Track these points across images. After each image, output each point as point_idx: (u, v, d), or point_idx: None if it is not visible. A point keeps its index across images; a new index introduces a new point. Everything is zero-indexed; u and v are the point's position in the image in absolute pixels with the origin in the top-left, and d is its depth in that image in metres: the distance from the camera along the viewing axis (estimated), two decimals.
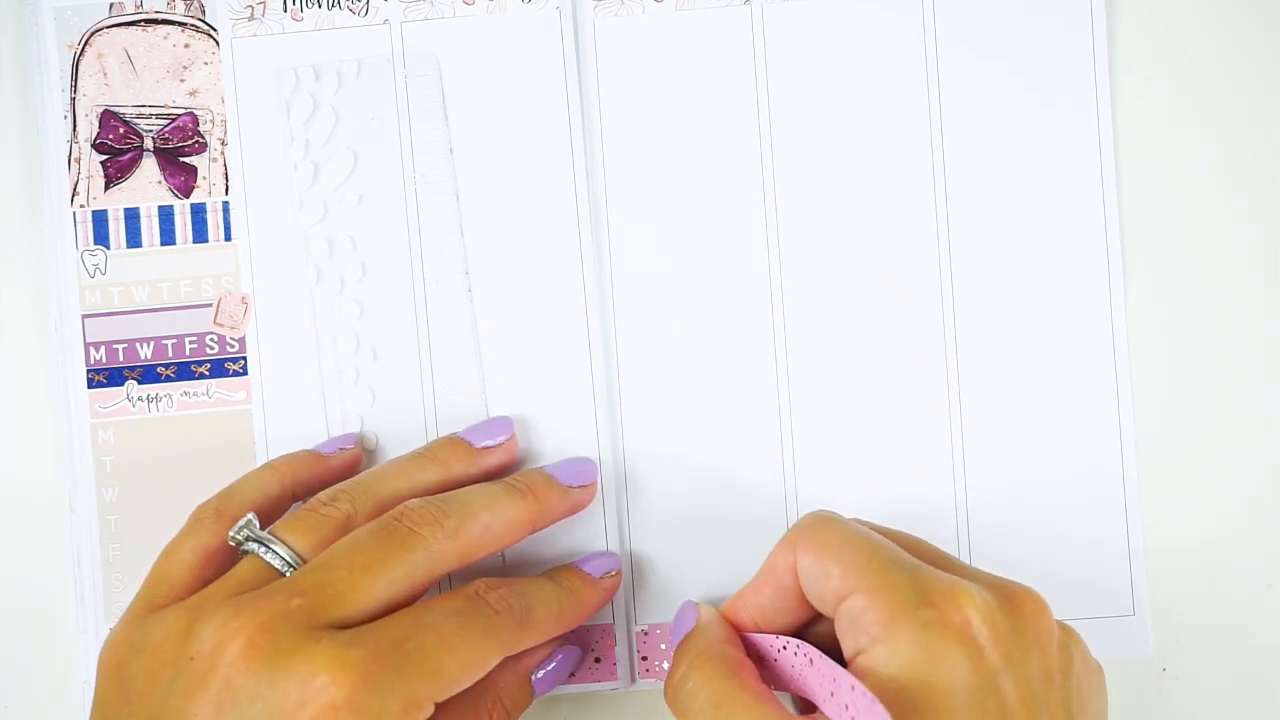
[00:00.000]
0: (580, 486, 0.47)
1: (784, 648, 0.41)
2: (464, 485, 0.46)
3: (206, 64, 0.50)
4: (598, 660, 0.49)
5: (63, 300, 0.49)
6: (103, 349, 0.49)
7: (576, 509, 0.47)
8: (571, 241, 0.49)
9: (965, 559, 0.48)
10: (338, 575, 0.40)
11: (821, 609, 0.40)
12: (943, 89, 0.49)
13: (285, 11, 0.49)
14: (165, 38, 0.50)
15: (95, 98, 0.49)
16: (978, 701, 0.37)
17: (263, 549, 0.42)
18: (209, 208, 0.50)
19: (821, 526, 0.41)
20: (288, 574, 0.41)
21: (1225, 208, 0.49)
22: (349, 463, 0.48)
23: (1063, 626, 0.40)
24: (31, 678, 0.50)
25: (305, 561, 0.41)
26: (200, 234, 0.50)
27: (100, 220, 0.49)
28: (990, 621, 0.38)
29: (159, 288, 0.50)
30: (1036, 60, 0.48)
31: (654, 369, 0.49)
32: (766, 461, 0.49)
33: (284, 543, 0.42)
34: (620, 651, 0.49)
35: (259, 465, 0.47)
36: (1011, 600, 0.39)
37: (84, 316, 0.49)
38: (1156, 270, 0.49)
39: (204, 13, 0.49)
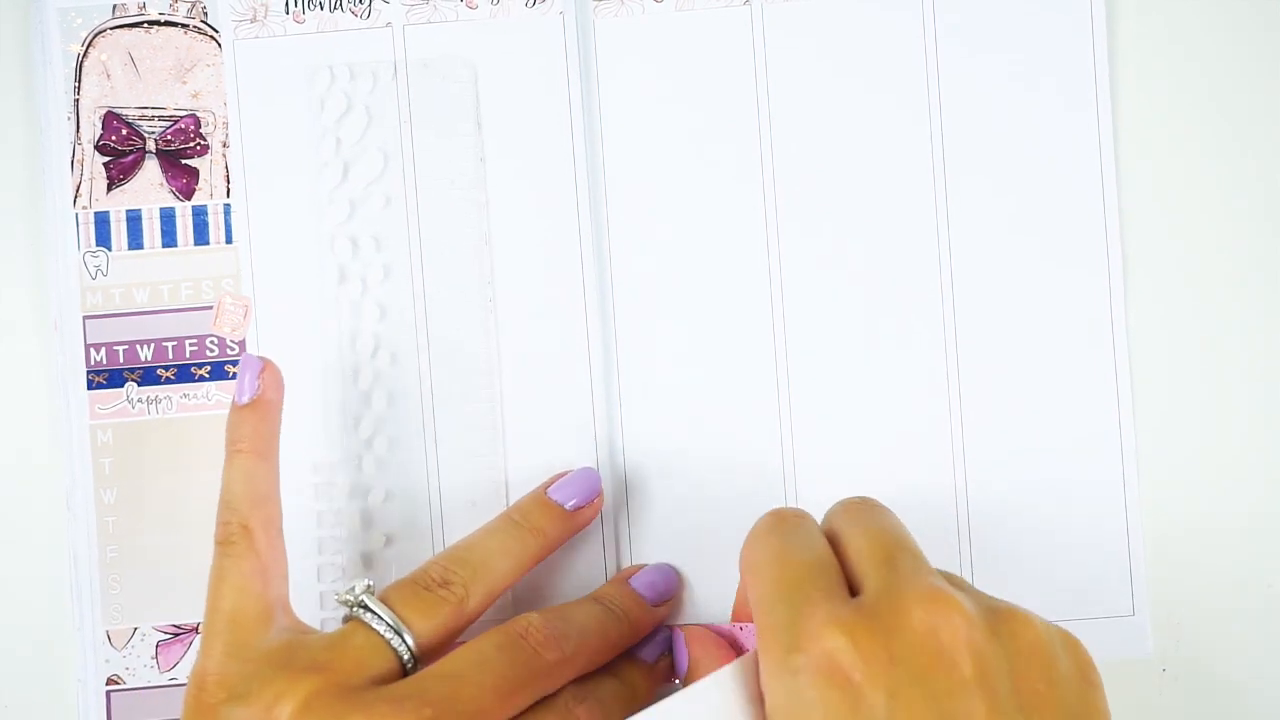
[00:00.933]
0: (662, 604, 0.48)
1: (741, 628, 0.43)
2: (557, 546, 0.46)
3: (209, 66, 0.50)
4: None
5: (64, 301, 0.49)
6: (103, 350, 0.49)
7: (656, 622, 0.48)
8: (572, 242, 0.49)
9: (965, 560, 0.48)
10: (469, 693, 0.40)
11: None
12: (943, 88, 0.49)
13: (287, 14, 0.49)
14: (168, 40, 0.50)
15: (98, 99, 0.50)
16: None
17: (390, 633, 0.41)
18: (210, 210, 0.50)
19: (761, 534, 0.39)
20: (407, 656, 0.41)
21: (1225, 206, 0.49)
22: (275, 387, 0.45)
23: (1061, 633, 0.36)
24: (28, 678, 0.49)
25: (421, 647, 0.41)
26: (201, 236, 0.50)
27: (102, 222, 0.50)
28: (861, 653, 0.34)
29: (160, 289, 0.50)
30: (1036, 59, 0.49)
31: (654, 369, 0.49)
32: (767, 464, 0.49)
33: (409, 627, 0.41)
34: None
35: (232, 457, 0.44)
36: (897, 613, 0.35)
37: (85, 317, 0.49)
38: (1156, 269, 0.49)
39: (206, 15, 0.50)
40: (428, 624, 0.42)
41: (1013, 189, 0.49)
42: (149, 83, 0.50)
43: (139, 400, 0.49)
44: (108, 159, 0.50)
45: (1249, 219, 0.49)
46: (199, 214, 0.50)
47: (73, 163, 0.49)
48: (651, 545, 0.49)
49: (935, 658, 0.34)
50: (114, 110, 0.50)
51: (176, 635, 0.49)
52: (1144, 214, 0.49)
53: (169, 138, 0.50)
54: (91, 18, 0.50)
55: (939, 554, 0.48)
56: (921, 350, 0.49)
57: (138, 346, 0.49)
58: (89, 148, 0.50)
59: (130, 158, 0.50)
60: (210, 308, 0.50)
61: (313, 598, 0.49)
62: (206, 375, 0.49)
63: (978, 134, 0.49)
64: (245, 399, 0.45)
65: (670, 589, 0.48)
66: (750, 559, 0.38)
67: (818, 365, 0.49)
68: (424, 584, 0.43)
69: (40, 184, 0.50)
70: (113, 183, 0.50)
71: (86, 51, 0.50)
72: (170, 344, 0.49)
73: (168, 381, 0.49)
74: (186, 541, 0.49)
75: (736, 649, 0.45)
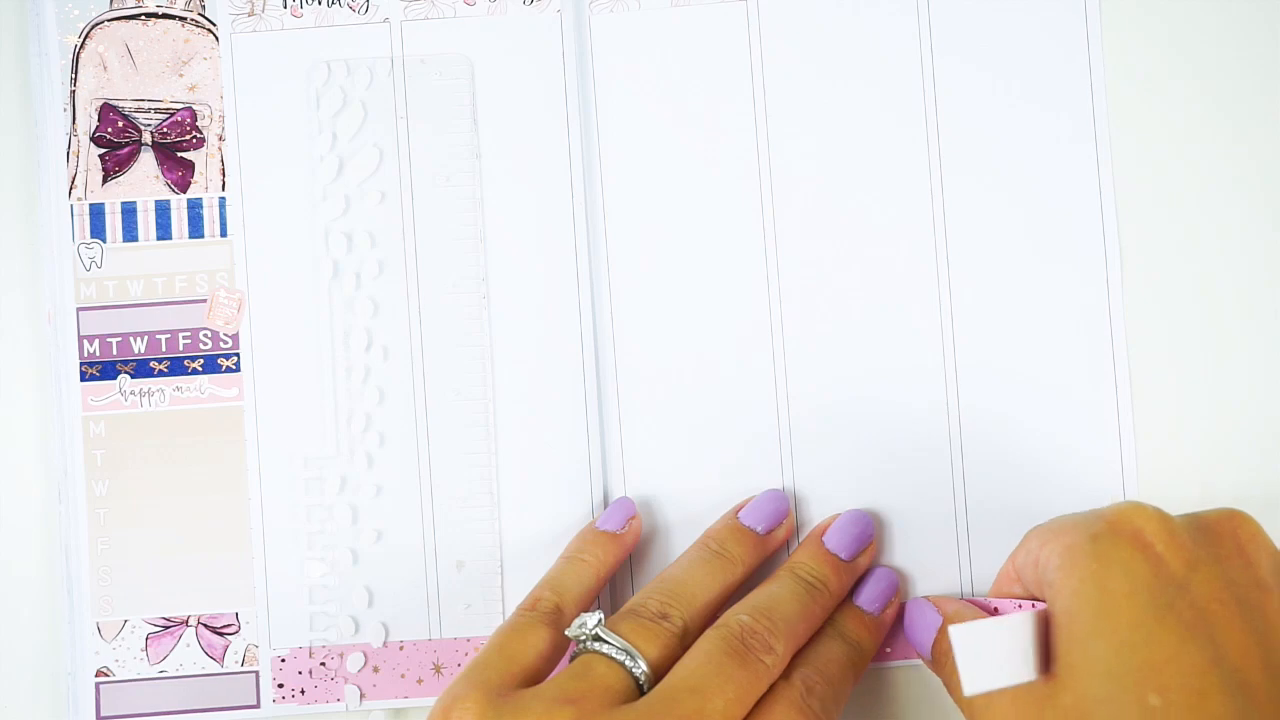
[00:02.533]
0: (861, 555, 0.47)
1: (1018, 606, 0.42)
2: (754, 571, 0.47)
3: (206, 59, 0.50)
4: None
5: (58, 293, 0.49)
6: (96, 342, 0.49)
7: (855, 579, 0.48)
8: (567, 239, 0.49)
9: (965, 570, 0.48)
10: (714, 705, 0.41)
11: (1038, 591, 0.41)
12: (938, 85, 0.49)
13: (285, 8, 0.49)
14: (165, 32, 0.50)
15: (95, 91, 0.50)
16: (1165, 603, 0.37)
17: (626, 657, 0.42)
18: (205, 203, 0.50)
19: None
20: (643, 680, 0.42)
21: (1223, 207, 0.49)
22: (636, 534, 0.48)
23: None
24: (18, 669, 0.49)
25: (654, 671, 0.43)
26: (196, 229, 0.50)
27: (97, 213, 0.50)
28: (1167, 530, 0.38)
29: (154, 282, 0.50)
30: (1032, 56, 0.49)
31: (650, 364, 0.49)
32: (766, 463, 0.49)
33: (641, 652, 0.43)
34: None
35: (563, 558, 0.47)
36: (1201, 518, 0.39)
37: (79, 309, 0.49)
38: (1154, 269, 0.49)
39: (204, 8, 0.50)
40: (656, 651, 0.43)
41: (1008, 185, 0.48)
42: (145, 75, 0.50)
43: (132, 393, 0.49)
44: (103, 151, 0.50)
45: (1248, 217, 0.49)
46: (194, 207, 0.50)
47: (68, 154, 0.49)
48: (648, 546, 0.49)
49: (1235, 551, 0.39)
50: (110, 102, 0.50)
51: (166, 628, 0.49)
52: (1141, 212, 0.49)
53: (165, 130, 0.50)
54: (88, 9, 0.50)
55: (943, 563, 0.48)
56: (921, 350, 0.48)
57: (131, 339, 0.49)
58: (84, 139, 0.50)
59: (126, 150, 0.50)
60: (204, 301, 0.50)
61: (302, 590, 0.49)
62: (199, 368, 0.49)
63: (974, 130, 0.49)
64: (610, 529, 0.47)
65: (867, 536, 0.47)
66: (1039, 535, 0.41)
67: (815, 361, 0.49)
68: (645, 616, 0.44)
69: (35, 175, 0.50)
70: (108, 175, 0.50)
71: (83, 43, 0.50)
72: (164, 337, 0.49)
73: (161, 374, 0.49)
74: (178, 534, 0.49)
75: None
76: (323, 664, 0.49)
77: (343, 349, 0.49)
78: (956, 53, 0.49)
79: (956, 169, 0.49)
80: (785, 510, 0.48)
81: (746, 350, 0.49)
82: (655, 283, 0.49)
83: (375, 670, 0.49)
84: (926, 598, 0.46)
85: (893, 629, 0.47)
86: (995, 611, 0.43)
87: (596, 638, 0.43)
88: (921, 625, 0.45)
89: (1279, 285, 0.49)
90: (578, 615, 0.44)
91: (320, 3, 0.49)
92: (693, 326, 0.49)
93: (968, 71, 0.49)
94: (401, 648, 0.49)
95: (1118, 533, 0.38)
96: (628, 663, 0.42)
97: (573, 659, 0.43)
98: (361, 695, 0.49)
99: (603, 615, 0.44)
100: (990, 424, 0.48)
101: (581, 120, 0.49)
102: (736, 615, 0.43)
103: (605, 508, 0.49)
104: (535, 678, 0.43)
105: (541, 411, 0.49)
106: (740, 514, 0.48)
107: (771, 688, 0.43)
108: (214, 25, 0.50)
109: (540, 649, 0.44)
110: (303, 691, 0.49)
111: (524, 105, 0.49)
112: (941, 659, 0.44)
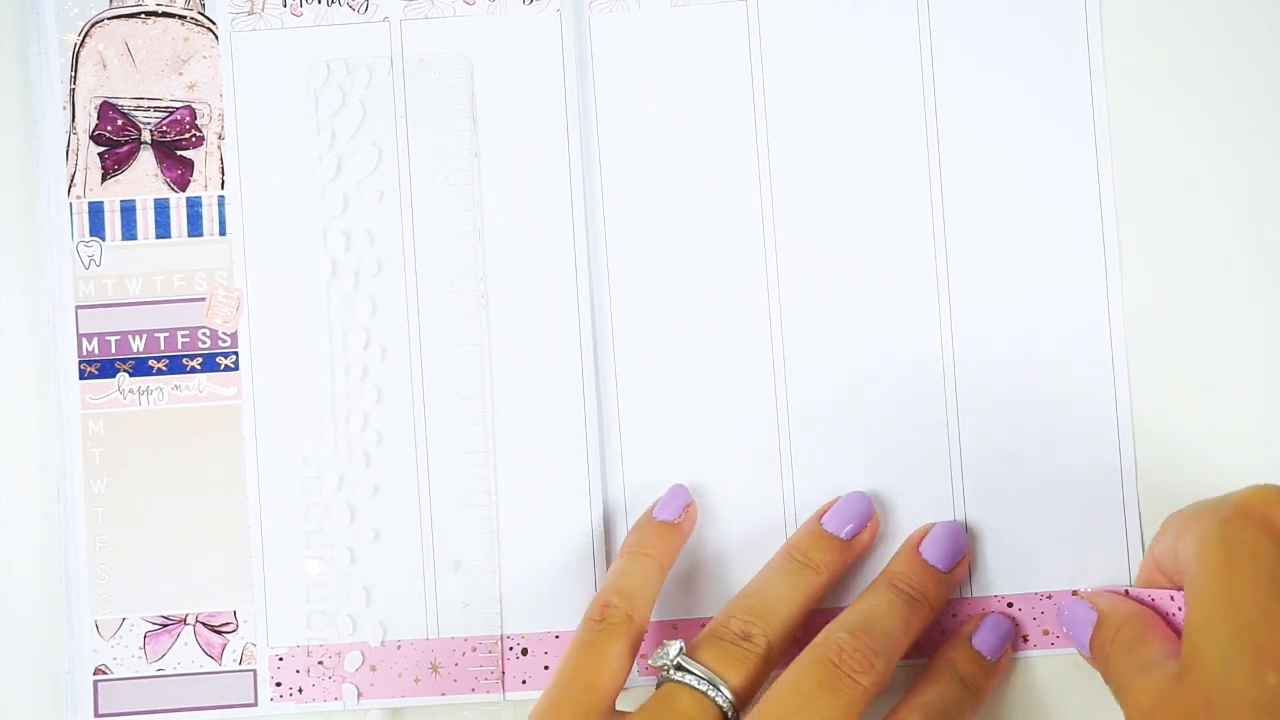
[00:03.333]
0: (956, 568, 0.47)
1: (1170, 597, 0.43)
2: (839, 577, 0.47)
3: (205, 58, 0.50)
4: None
5: (57, 291, 0.49)
6: (95, 340, 0.49)
7: (952, 592, 0.48)
8: (566, 239, 0.49)
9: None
10: None
11: (1179, 580, 0.42)
12: (938, 85, 0.49)
13: (285, 7, 0.50)
14: (165, 31, 0.50)
15: (94, 89, 0.50)
16: None
17: (709, 687, 0.43)
18: (204, 201, 0.50)
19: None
20: (727, 709, 0.42)
21: (1222, 207, 0.49)
22: (693, 520, 0.48)
23: None
24: (16, 667, 0.49)
25: (738, 697, 0.43)
26: (195, 228, 0.50)
27: (96, 212, 0.50)
28: None
29: (153, 280, 0.50)
30: (1032, 55, 0.49)
31: (649, 363, 0.49)
32: (765, 466, 0.49)
33: (724, 680, 0.43)
34: None
35: (625, 554, 0.47)
36: None
37: (77, 307, 0.49)
38: (1153, 269, 0.49)
39: (204, 7, 0.50)
40: (739, 676, 0.43)
41: (1009, 186, 0.48)
42: (145, 73, 0.50)
43: (130, 391, 0.49)
44: (103, 149, 0.50)
45: (1246, 215, 0.49)
46: (193, 205, 0.50)
47: (68, 152, 0.50)
48: None
49: None
50: (110, 100, 0.50)
51: (165, 626, 0.49)
52: (1140, 212, 0.49)
53: (164, 129, 0.50)
54: (88, 7, 0.50)
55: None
56: (920, 351, 0.48)
57: (130, 337, 0.49)
58: (84, 137, 0.50)
59: (125, 148, 0.50)
60: (203, 299, 0.50)
61: (300, 589, 0.49)
62: (198, 367, 0.49)
63: (973, 129, 0.49)
64: (668, 518, 0.47)
65: (962, 548, 0.48)
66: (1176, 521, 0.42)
67: (815, 360, 0.49)
68: (727, 638, 0.44)
69: (35, 173, 0.50)
70: (107, 173, 0.50)
71: (83, 41, 0.50)
72: (162, 335, 0.49)
73: (159, 373, 0.49)
74: (176, 533, 0.49)
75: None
76: (320, 663, 0.49)
77: (341, 347, 0.49)
78: (957, 53, 0.49)
79: (956, 168, 0.49)
80: (870, 512, 0.48)
81: (746, 349, 0.49)
82: (655, 282, 0.49)
83: (373, 669, 0.49)
84: (1080, 593, 0.46)
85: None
86: (1150, 602, 0.43)
87: (679, 667, 0.43)
88: (1078, 622, 0.45)
89: (1276, 284, 0.49)
90: (647, 617, 0.45)
91: (320, 2, 0.49)
92: (692, 325, 0.49)
93: (968, 71, 0.49)
94: (399, 647, 0.49)
95: (1245, 517, 0.39)
96: (710, 693, 0.42)
97: (658, 684, 0.44)
98: (359, 694, 0.49)
99: (683, 644, 0.44)
100: (991, 421, 0.48)
101: (581, 120, 0.49)
102: (835, 634, 0.43)
103: (604, 507, 0.49)
104: (615, 695, 0.44)
105: (540, 411, 0.49)
106: (824, 519, 0.48)
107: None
108: (214, 24, 0.50)
109: (615, 667, 0.44)
110: (300, 690, 0.49)
111: (523, 105, 0.49)
112: (1099, 653, 0.43)
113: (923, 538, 0.47)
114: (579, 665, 0.44)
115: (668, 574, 0.47)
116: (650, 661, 0.44)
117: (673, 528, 0.47)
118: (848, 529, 0.47)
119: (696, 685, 0.43)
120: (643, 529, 0.48)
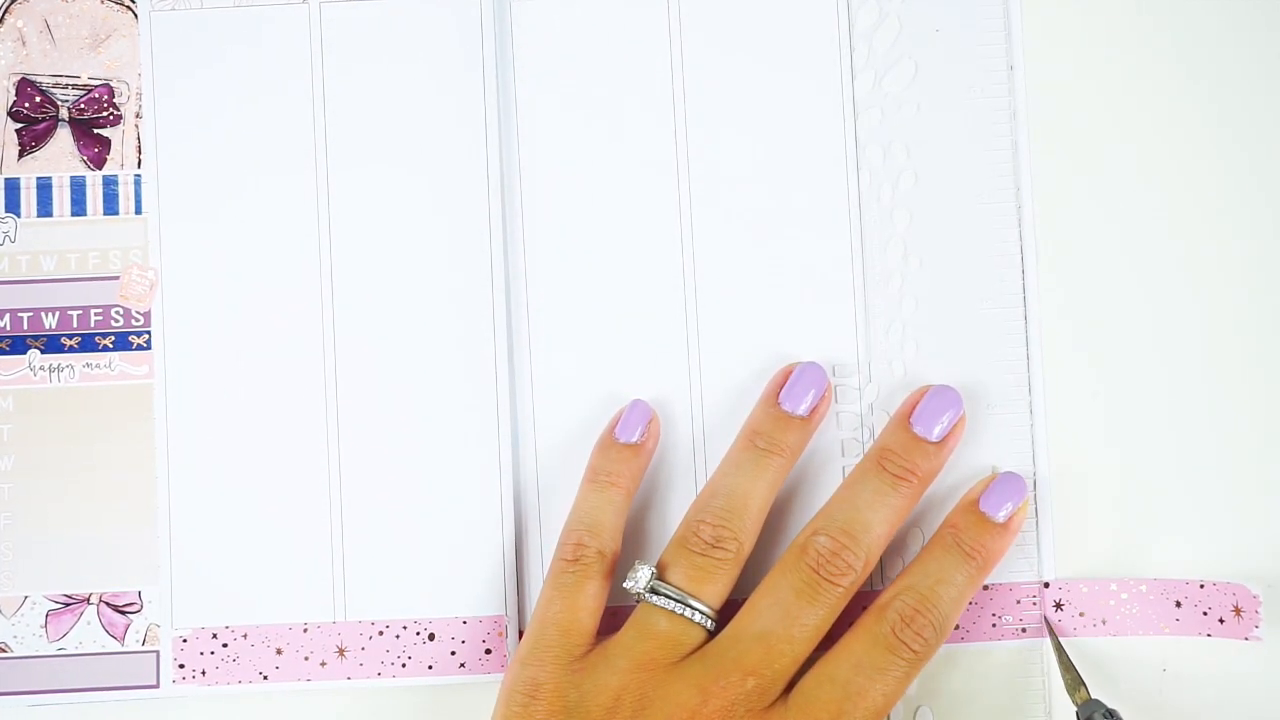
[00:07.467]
0: (947, 435, 0.45)
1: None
2: (799, 455, 0.46)
3: (124, 37, 0.50)
4: (488, 652, 0.48)
5: None
6: (7, 317, 0.49)
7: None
8: (482, 224, 0.49)
9: None
10: (780, 649, 0.42)
11: None
12: (856, 67, 0.49)
13: None
14: (85, 9, 0.50)
15: (13, 65, 0.50)
16: None
17: (681, 607, 0.43)
18: (121, 180, 0.50)
19: None
20: (708, 626, 0.43)
21: (1136, 206, 0.49)
22: (657, 438, 0.47)
23: None
24: None
25: (714, 607, 0.43)
26: (111, 206, 0.50)
27: (12, 188, 0.50)
28: None
29: (67, 258, 0.49)
30: (953, 41, 0.49)
31: (565, 349, 0.49)
32: (680, 442, 0.48)
33: (696, 598, 0.43)
34: (511, 643, 0.48)
35: (589, 481, 0.46)
36: None
37: None
38: (1067, 270, 0.49)
39: None
40: (713, 590, 0.43)
41: (928, 173, 0.49)
42: (64, 51, 0.50)
43: (41, 368, 0.49)
44: (20, 126, 0.50)
45: (1167, 212, 0.49)
46: (109, 184, 0.50)
47: None
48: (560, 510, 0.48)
49: None
50: (28, 77, 0.50)
51: (67, 605, 0.48)
52: (1056, 209, 0.49)
53: (82, 106, 0.50)
54: None
55: None
56: (837, 344, 0.48)
57: (42, 314, 0.49)
58: (1, 114, 0.50)
59: (43, 125, 0.50)
60: (117, 278, 0.49)
61: (206, 570, 0.48)
62: (110, 345, 0.49)
63: (892, 114, 0.49)
64: (631, 439, 0.46)
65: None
66: None
67: (728, 333, 0.48)
68: (697, 549, 0.44)
69: None
70: (24, 150, 0.50)
71: (2, 18, 0.50)
72: (75, 313, 0.49)
73: (71, 350, 0.49)
74: (82, 511, 0.49)
75: None
76: (225, 645, 0.48)
77: (253, 328, 0.49)
78: (876, 36, 0.49)
79: (873, 148, 0.49)
80: (825, 380, 0.46)
81: (662, 329, 0.49)
82: (572, 268, 0.49)
83: (278, 652, 0.48)
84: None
85: None
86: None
87: (653, 590, 0.43)
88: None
89: (1189, 277, 0.49)
90: (618, 547, 0.45)
91: None
92: (610, 310, 0.49)
93: (886, 50, 0.49)
94: (305, 630, 0.48)
95: None
96: (687, 613, 0.43)
97: (636, 601, 0.44)
98: (264, 677, 0.48)
99: (653, 569, 0.44)
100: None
101: (500, 106, 0.49)
102: (814, 539, 0.43)
103: (514, 486, 0.48)
104: (593, 632, 0.44)
105: (454, 400, 0.49)
106: (780, 398, 0.46)
107: (858, 617, 0.43)
108: (133, 3, 0.50)
109: (592, 607, 0.44)
110: (203, 673, 0.48)
111: (443, 91, 0.49)
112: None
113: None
114: (556, 610, 0.44)
115: (633, 496, 0.46)
116: (624, 585, 0.44)
117: (637, 450, 0.46)
118: (806, 402, 0.46)
119: (672, 609, 0.43)
120: (606, 452, 0.47)
